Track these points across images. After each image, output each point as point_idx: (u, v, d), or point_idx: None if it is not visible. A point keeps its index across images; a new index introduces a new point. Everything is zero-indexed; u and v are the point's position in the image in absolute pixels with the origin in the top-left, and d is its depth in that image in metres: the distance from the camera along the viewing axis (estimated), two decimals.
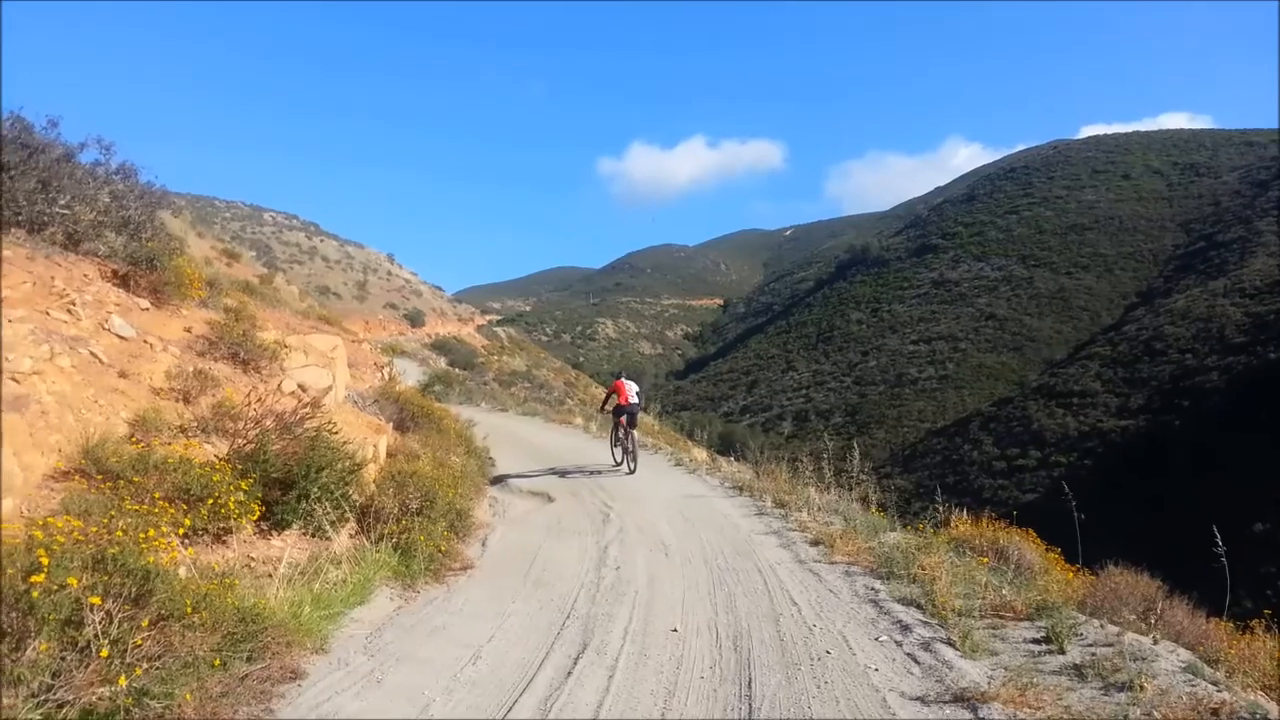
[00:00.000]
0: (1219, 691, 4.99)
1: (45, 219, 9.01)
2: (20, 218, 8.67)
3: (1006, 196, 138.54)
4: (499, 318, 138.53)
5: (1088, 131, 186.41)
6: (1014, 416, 71.82)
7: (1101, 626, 6.30)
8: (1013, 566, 8.47)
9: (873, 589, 7.57)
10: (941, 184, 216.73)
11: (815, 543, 9.50)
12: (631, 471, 14.58)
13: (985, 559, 8.58)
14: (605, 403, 16.98)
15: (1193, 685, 5.05)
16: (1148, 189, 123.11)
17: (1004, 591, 7.15)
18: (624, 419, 14.98)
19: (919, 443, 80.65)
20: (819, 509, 11.25)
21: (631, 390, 15.21)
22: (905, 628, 6.44)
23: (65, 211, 9.23)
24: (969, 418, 78.25)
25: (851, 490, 11.92)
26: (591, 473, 14.67)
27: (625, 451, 14.99)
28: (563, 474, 14.48)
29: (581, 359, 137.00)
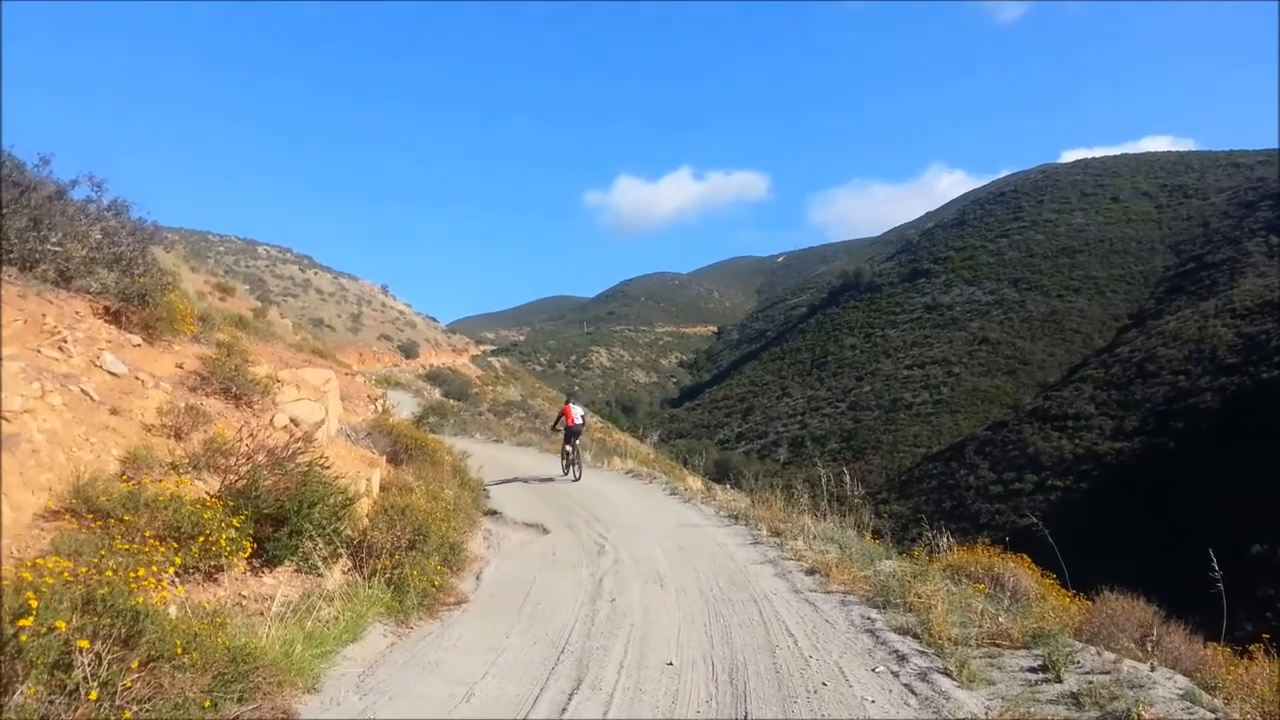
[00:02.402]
0: (1217, 719, 4.97)
1: (37, 256, 9.02)
2: (12, 255, 8.68)
3: (996, 221, 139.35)
4: (493, 348, 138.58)
5: (1070, 156, 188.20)
6: (1009, 440, 71.77)
7: (1098, 654, 6.28)
8: (1009, 593, 8.46)
9: (869, 618, 7.53)
10: (929, 210, 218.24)
11: (811, 571, 9.47)
12: (577, 479, 17.44)
13: (981, 586, 8.57)
14: (555, 423, 19.59)
15: (1190, 713, 5.03)
16: (1137, 211, 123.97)
17: (1000, 619, 7.12)
18: (571, 437, 17.83)
19: (915, 468, 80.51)
20: (814, 537, 11.22)
21: (577, 413, 18.04)
22: (902, 658, 6.40)
23: (57, 249, 9.25)
24: (964, 442, 78.18)
25: (847, 517, 11.90)
26: (544, 479, 17.88)
27: (571, 462, 17.83)
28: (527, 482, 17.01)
29: (576, 388, 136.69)
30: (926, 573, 8.50)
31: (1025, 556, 10.58)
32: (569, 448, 17.96)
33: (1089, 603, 9.06)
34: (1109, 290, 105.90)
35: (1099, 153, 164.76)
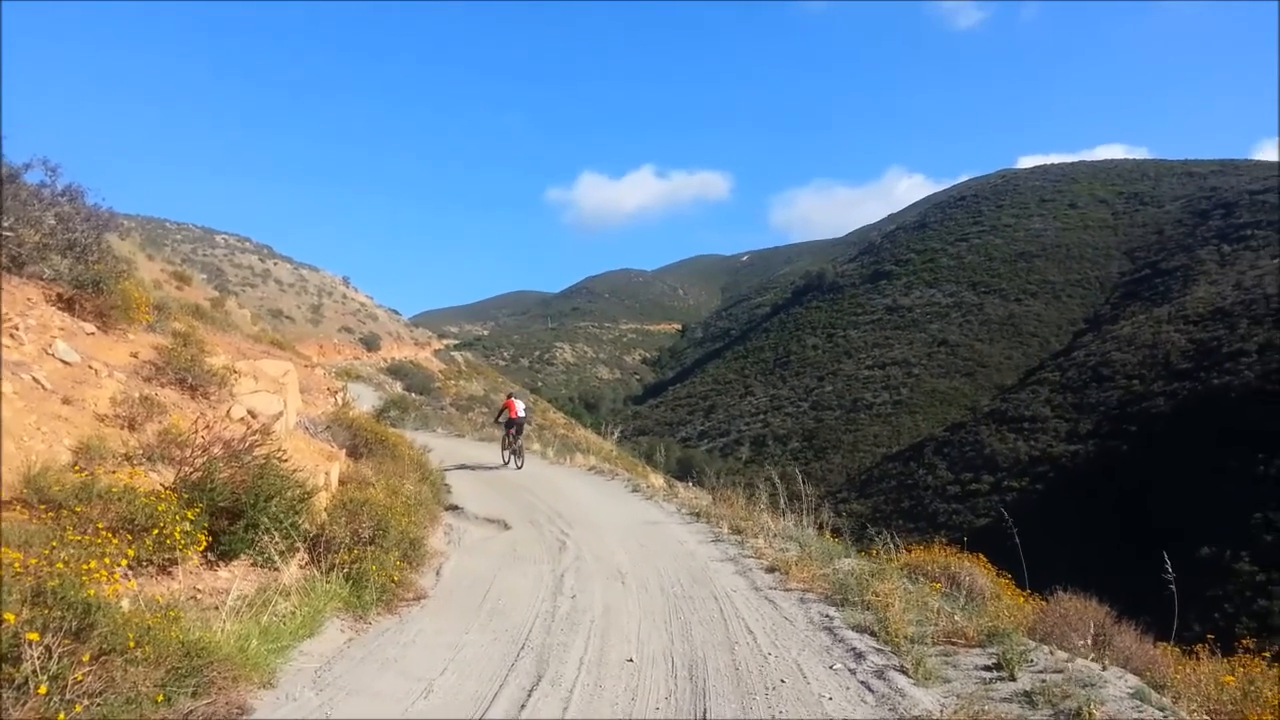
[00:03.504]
0: (1165, 717, 5.08)
1: None
2: None
3: (957, 224, 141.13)
4: (456, 342, 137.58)
5: (1027, 162, 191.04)
6: (967, 441, 72.82)
7: (1051, 653, 6.39)
8: (965, 592, 8.58)
9: (827, 616, 7.60)
10: (891, 212, 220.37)
11: (771, 569, 9.53)
12: (519, 468, 18.65)
13: (938, 585, 8.68)
14: (498, 416, 20.73)
15: (1140, 711, 5.14)
16: (1094, 218, 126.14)
17: (956, 618, 7.22)
18: (512, 429, 18.99)
19: (875, 467, 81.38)
20: (775, 535, 11.30)
21: (520, 407, 19.30)
22: (859, 655, 6.47)
23: (9, 234, 9.04)
24: (923, 442, 79.18)
25: (807, 516, 11.99)
26: (490, 467, 18.93)
27: (513, 453, 19.01)
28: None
29: (540, 383, 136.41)
30: (884, 571, 8.58)
31: (981, 556, 10.73)
32: (511, 438, 19.07)
33: (1043, 602, 9.21)
34: (1065, 295, 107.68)
35: (1055, 159, 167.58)
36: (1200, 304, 76.54)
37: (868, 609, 7.56)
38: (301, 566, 7.27)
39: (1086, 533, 48.84)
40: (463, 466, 18.44)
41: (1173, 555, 6.95)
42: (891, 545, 9.92)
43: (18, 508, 5.49)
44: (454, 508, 13.24)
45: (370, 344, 69.01)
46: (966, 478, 66.64)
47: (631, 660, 6.34)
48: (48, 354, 7.55)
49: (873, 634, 6.97)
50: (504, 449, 19.51)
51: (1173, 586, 6.54)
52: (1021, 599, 9.51)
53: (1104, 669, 5.90)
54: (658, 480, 19.59)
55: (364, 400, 25.82)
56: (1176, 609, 6.65)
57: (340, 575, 7.22)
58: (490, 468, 18.92)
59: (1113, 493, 53.54)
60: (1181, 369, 65.19)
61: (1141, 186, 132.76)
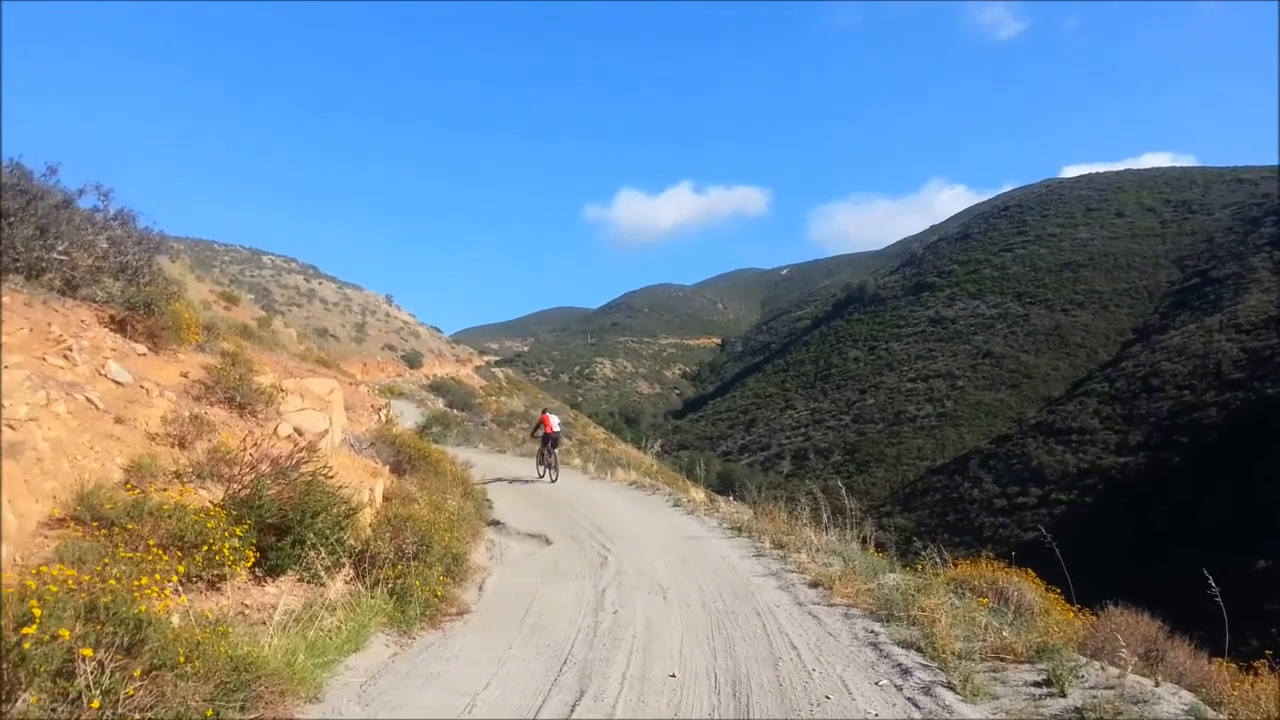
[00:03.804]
0: None
1: (43, 265, 9.06)
2: (18, 264, 8.71)
3: (1000, 235, 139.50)
4: (496, 358, 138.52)
5: (1070, 172, 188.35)
6: (1013, 454, 71.67)
7: (1102, 669, 6.25)
8: (1013, 608, 8.43)
9: (872, 632, 7.51)
10: (932, 224, 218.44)
11: (814, 585, 9.44)
12: (553, 481, 18.89)
13: (985, 600, 8.54)
14: (535, 430, 21.17)
15: None
16: (1141, 226, 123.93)
17: (1004, 633, 7.10)
18: (548, 444, 19.26)
19: (919, 481, 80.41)
20: (818, 550, 11.19)
21: (555, 421, 19.63)
22: (905, 671, 6.38)
23: (63, 257, 9.28)
24: (968, 455, 78.09)
25: (850, 530, 11.87)
26: (526, 481, 19.07)
27: (548, 466, 19.23)
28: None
29: (580, 399, 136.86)
30: (930, 586, 8.46)
31: (1029, 571, 10.54)
32: (546, 452, 19.39)
33: (1093, 617, 9.04)
34: (1113, 305, 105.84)
35: (1100, 168, 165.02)
36: (1252, 312, 74.80)
37: (914, 624, 7.46)
38: (347, 582, 7.34)
39: (1138, 546, 47.76)
40: (501, 480, 18.60)
41: (1228, 568, 6.82)
42: (937, 560, 9.79)
43: (71, 525, 5.61)
44: (496, 523, 13.29)
45: (413, 361, 69.76)
46: (1013, 491, 65.59)
47: (674, 676, 6.31)
48: (101, 374, 7.73)
49: (919, 650, 6.88)
50: (539, 463, 19.72)
51: (1219, 600, 6.39)
52: (1071, 614, 9.33)
53: (1157, 685, 5.77)
54: (699, 495, 19.51)
55: (407, 417, 26.08)
56: (1227, 623, 6.49)
57: (385, 590, 7.28)
58: (528, 481, 19.07)
59: (1165, 505, 52.35)
60: (1234, 379, 63.71)
61: (1190, 194, 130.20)
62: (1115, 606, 8.90)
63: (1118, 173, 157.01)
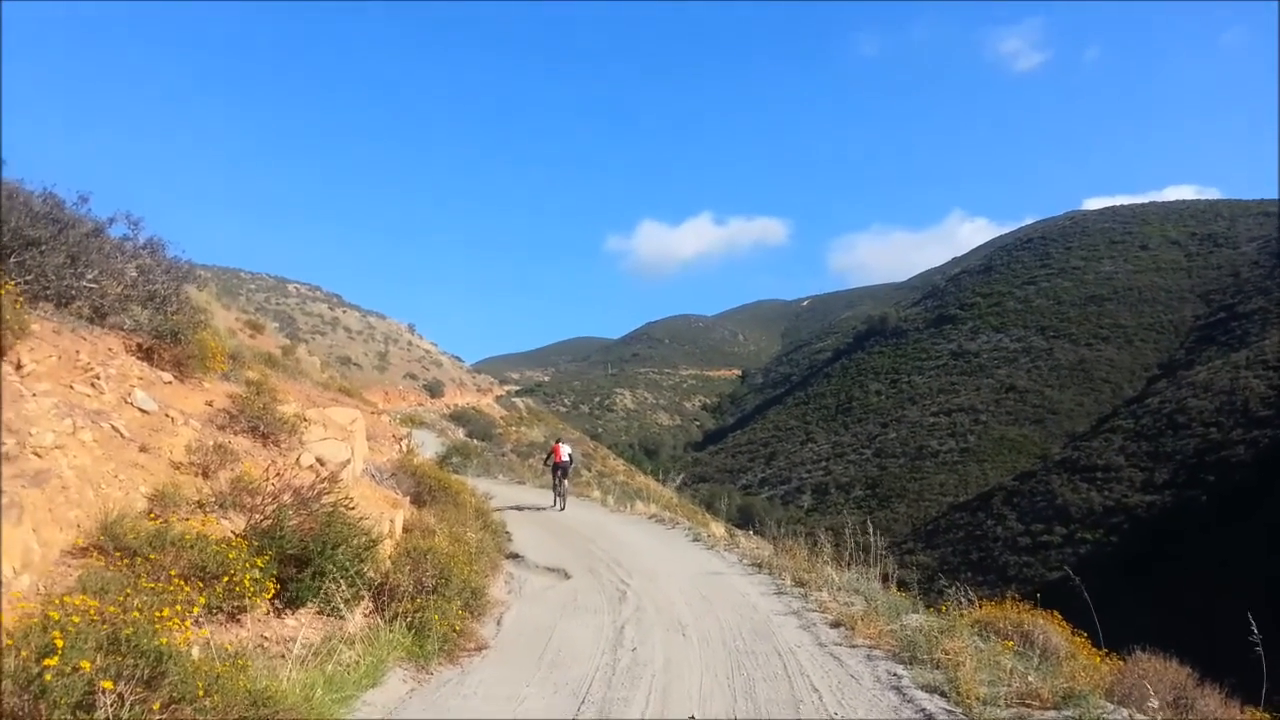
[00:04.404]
0: None
1: (73, 293, 9.19)
2: (48, 292, 8.85)
3: (1024, 267, 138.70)
4: (517, 388, 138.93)
5: (1092, 204, 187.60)
6: (1037, 491, 70.73)
7: (1130, 716, 6.13)
8: (1038, 651, 8.29)
9: (895, 675, 7.39)
10: (954, 256, 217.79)
11: (836, 624, 9.33)
12: (561, 509, 19.49)
13: (1010, 643, 8.39)
14: (546, 460, 22.13)
15: None
16: (1166, 260, 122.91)
17: (1030, 678, 6.97)
18: (559, 472, 19.99)
19: (941, 517, 79.48)
20: (839, 588, 11.07)
21: (565, 451, 20.32)
22: (929, 717, 6.27)
23: (93, 286, 9.42)
24: (991, 492, 77.15)
25: (872, 568, 11.73)
26: (540, 508, 19.73)
27: (559, 495, 19.88)
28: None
29: (600, 430, 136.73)
30: (954, 628, 8.33)
31: (1055, 613, 10.36)
32: (557, 481, 20.15)
33: (1121, 662, 8.86)
34: (1138, 339, 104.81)
35: (1123, 200, 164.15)
36: None
37: (937, 668, 7.34)
38: (366, 615, 7.33)
39: (1166, 587, 46.87)
40: (516, 508, 19.18)
41: (1263, 612, 6.64)
42: (962, 600, 9.66)
43: (95, 554, 5.64)
44: (515, 556, 13.26)
45: (434, 390, 70.07)
46: (1038, 529, 64.63)
47: (694, 717, 6.23)
48: (127, 402, 7.80)
49: (943, 694, 6.76)
50: (553, 490, 20.38)
51: (1259, 648, 6.25)
52: (1098, 658, 9.15)
53: None
54: (718, 529, 19.40)
55: (427, 446, 26.14)
56: (1265, 670, 6.35)
57: (403, 624, 7.26)
58: (542, 509, 19.66)
59: (1194, 545, 51.40)
60: (1262, 416, 62.68)
61: (1216, 227, 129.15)
62: (1143, 651, 8.72)
63: (1142, 205, 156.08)
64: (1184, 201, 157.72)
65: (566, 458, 20.26)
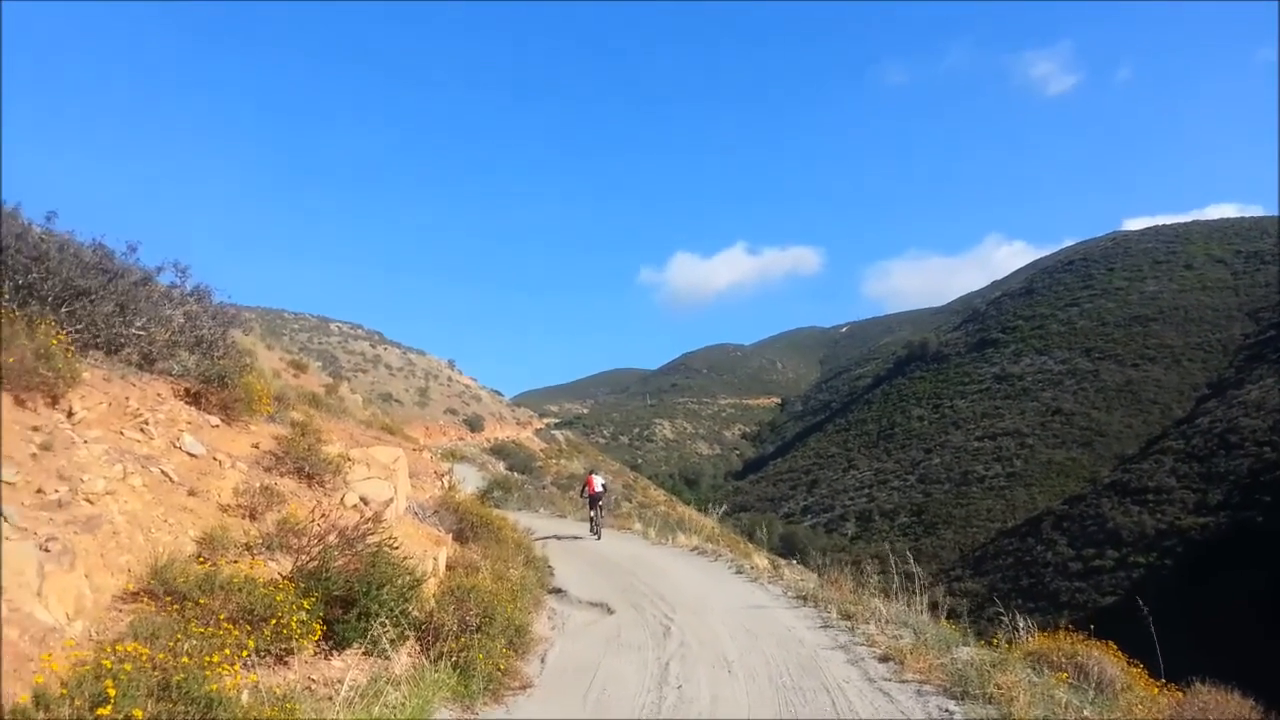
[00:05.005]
0: None
1: (122, 340, 9.41)
2: (99, 339, 9.06)
3: (1066, 289, 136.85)
4: (556, 420, 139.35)
5: (1132, 225, 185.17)
6: (1088, 515, 69.26)
7: None
8: (1093, 683, 8.09)
9: (947, 711, 7.24)
10: (994, 279, 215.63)
11: (884, 659, 9.17)
12: (598, 538, 20.46)
13: (1064, 675, 8.19)
14: (581, 492, 23.48)
15: None
16: (1212, 278, 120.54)
17: (1085, 712, 6.82)
18: (594, 503, 20.97)
19: (989, 543, 78.03)
20: (887, 620, 10.89)
21: (598, 482, 21.36)
22: None
23: (141, 333, 9.64)
24: (1040, 516, 75.67)
25: (920, 596, 11.53)
26: (577, 538, 20.91)
27: (596, 524, 20.84)
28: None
29: (640, 460, 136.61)
30: (1006, 661, 8.16)
31: (1111, 643, 10.11)
32: (592, 512, 21.10)
33: (1179, 694, 8.60)
34: (1186, 359, 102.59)
35: (1165, 220, 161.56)
36: None
37: (990, 702, 7.18)
38: (411, 655, 7.35)
39: (1225, 613, 45.45)
40: (554, 537, 20.02)
41: None
42: (1013, 630, 9.47)
43: (145, 599, 5.72)
44: (557, 590, 13.24)
45: (474, 425, 70.47)
46: (1089, 553, 63.20)
47: None
48: (175, 447, 7.94)
49: None
50: (589, 520, 21.38)
51: None
52: (1155, 690, 8.89)
53: None
54: (761, 560, 19.21)
55: (468, 481, 26.24)
56: None
57: (448, 663, 7.26)
58: (579, 538, 20.55)
59: (1252, 568, 49.92)
60: None
61: (1262, 244, 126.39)
62: (1203, 683, 8.45)
63: (1184, 224, 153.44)
64: (1227, 219, 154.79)
65: (600, 488, 21.28)
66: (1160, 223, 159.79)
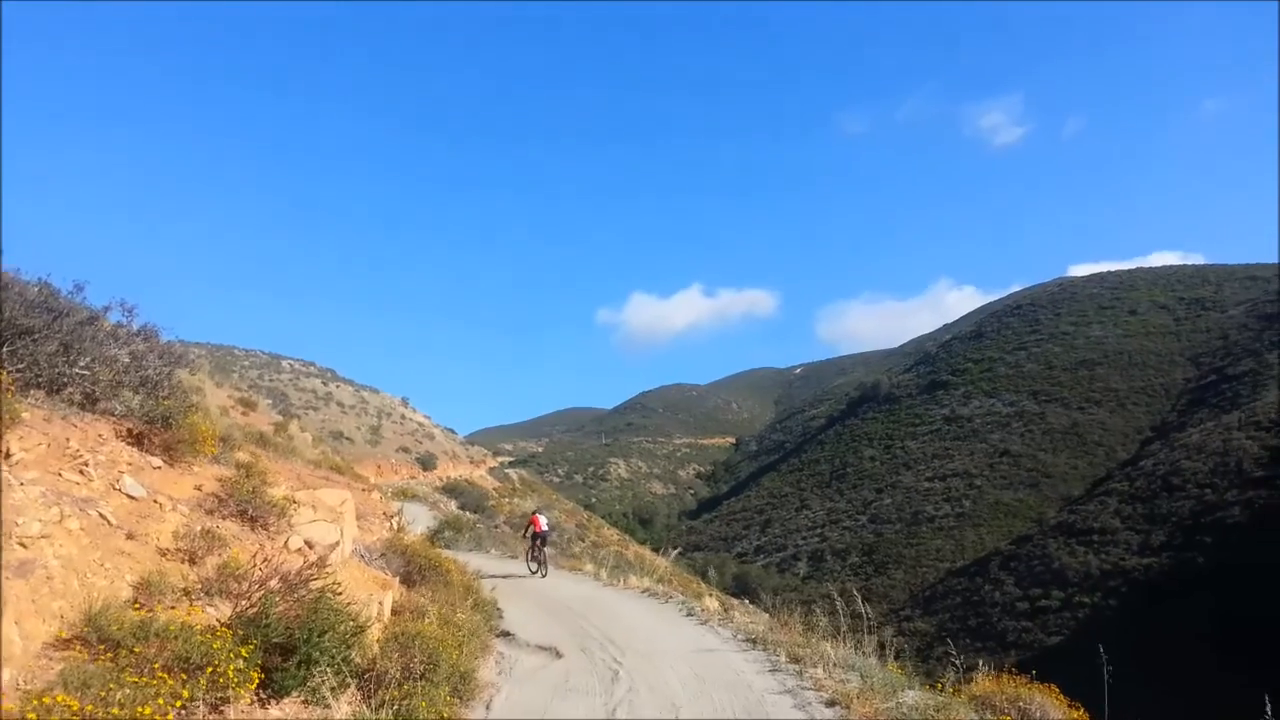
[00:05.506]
0: None
1: (65, 380, 9.23)
2: (40, 379, 8.89)
3: (1014, 333, 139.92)
4: (511, 459, 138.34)
5: (1078, 271, 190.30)
6: (1034, 555, 70.28)
7: None
8: None
9: None
10: (944, 323, 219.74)
11: (831, 703, 9.20)
12: (543, 576, 20.39)
13: (1007, 718, 8.29)
14: (525, 531, 22.93)
15: None
16: (1155, 324, 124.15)
17: None
18: (538, 541, 20.98)
19: (939, 583, 78.75)
20: (835, 664, 10.93)
21: (544, 521, 21.63)
22: None
23: (85, 373, 9.46)
24: (988, 557, 76.64)
25: (869, 635, 11.61)
26: (520, 576, 20.48)
27: (539, 563, 20.84)
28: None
29: (594, 499, 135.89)
30: (950, 705, 8.24)
31: (1054, 685, 10.24)
32: (536, 549, 21.06)
33: None
34: (1130, 403, 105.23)
35: (1108, 266, 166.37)
36: (1272, 409, 74.09)
37: None
38: (351, 704, 7.22)
39: (1170, 652, 46.21)
40: (500, 576, 19.51)
41: (1263, 677, 6.60)
42: (958, 671, 9.56)
43: (78, 647, 5.58)
44: (505, 634, 13.09)
45: (427, 463, 69.71)
46: (1035, 594, 64.06)
47: None
48: (115, 489, 7.78)
49: None
50: (529, 559, 21.46)
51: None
52: None
53: None
54: (713, 603, 19.14)
55: (419, 521, 25.93)
56: None
57: (390, 712, 7.14)
58: (523, 577, 20.37)
59: (1192, 608, 50.91)
60: (1256, 476, 62.75)
61: (1203, 292, 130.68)
62: None
63: (1129, 271, 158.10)
64: (1170, 267, 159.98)
65: (545, 527, 21.47)
66: (1105, 269, 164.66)
